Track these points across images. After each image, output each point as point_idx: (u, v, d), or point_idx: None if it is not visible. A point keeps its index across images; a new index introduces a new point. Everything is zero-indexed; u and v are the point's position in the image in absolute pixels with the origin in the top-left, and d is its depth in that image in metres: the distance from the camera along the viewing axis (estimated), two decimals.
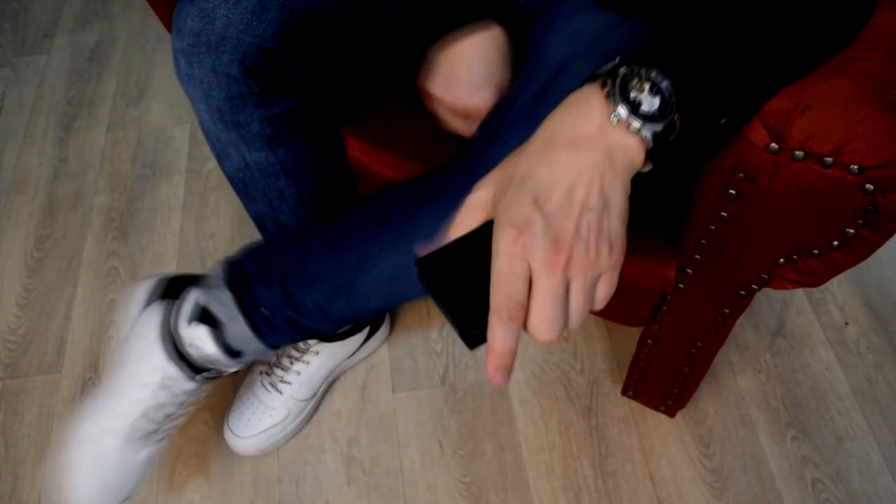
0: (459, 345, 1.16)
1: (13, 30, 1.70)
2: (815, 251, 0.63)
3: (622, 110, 0.45)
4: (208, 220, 1.33)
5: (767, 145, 0.56)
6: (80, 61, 1.61)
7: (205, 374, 0.83)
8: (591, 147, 0.45)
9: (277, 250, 0.79)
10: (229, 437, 1.04)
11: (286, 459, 1.06)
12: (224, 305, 0.78)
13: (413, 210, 0.70)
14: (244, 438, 1.03)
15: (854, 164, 0.53)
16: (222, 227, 1.32)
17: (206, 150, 1.43)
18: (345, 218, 0.76)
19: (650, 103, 0.46)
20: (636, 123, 0.46)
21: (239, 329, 0.79)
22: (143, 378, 0.81)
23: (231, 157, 0.81)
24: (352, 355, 1.10)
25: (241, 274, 0.79)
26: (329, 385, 1.11)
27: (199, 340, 0.79)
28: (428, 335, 1.17)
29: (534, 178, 0.44)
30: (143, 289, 0.89)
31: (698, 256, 0.73)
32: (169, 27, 0.92)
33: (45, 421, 1.10)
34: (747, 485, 1.02)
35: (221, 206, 1.34)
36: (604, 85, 0.46)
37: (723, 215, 0.66)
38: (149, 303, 0.86)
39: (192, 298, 0.80)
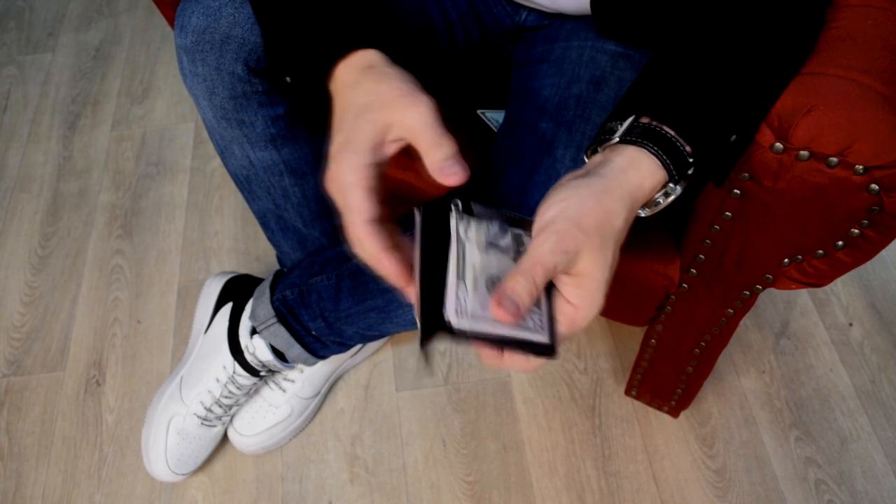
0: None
1: (18, 28, 1.70)
2: (820, 251, 0.63)
3: (678, 188, 0.53)
4: (212, 219, 1.33)
5: (772, 145, 0.56)
6: (84, 60, 1.62)
7: (263, 373, 0.97)
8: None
9: (313, 286, 0.88)
10: (233, 435, 1.04)
11: (289, 457, 1.06)
12: (280, 338, 0.90)
13: None
14: (248, 436, 1.03)
15: (859, 165, 0.53)
16: (226, 226, 1.32)
17: (210, 148, 1.43)
18: (363, 263, 0.82)
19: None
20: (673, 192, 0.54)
21: (296, 352, 0.92)
22: (216, 372, 0.97)
23: (235, 155, 0.81)
24: (355, 354, 1.10)
25: (287, 306, 0.89)
26: (332, 383, 1.11)
27: (259, 351, 0.93)
28: None
29: (615, 253, 0.50)
30: (216, 287, 1.06)
31: (702, 257, 0.73)
32: (174, 25, 0.92)
33: (48, 418, 1.11)
34: (751, 486, 1.02)
35: (225, 205, 1.35)
36: (664, 165, 0.51)
37: (727, 215, 0.66)
38: (220, 301, 1.03)
39: (250, 323, 0.94)
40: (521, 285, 0.45)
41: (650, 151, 0.51)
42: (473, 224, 0.51)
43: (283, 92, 0.76)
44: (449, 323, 0.46)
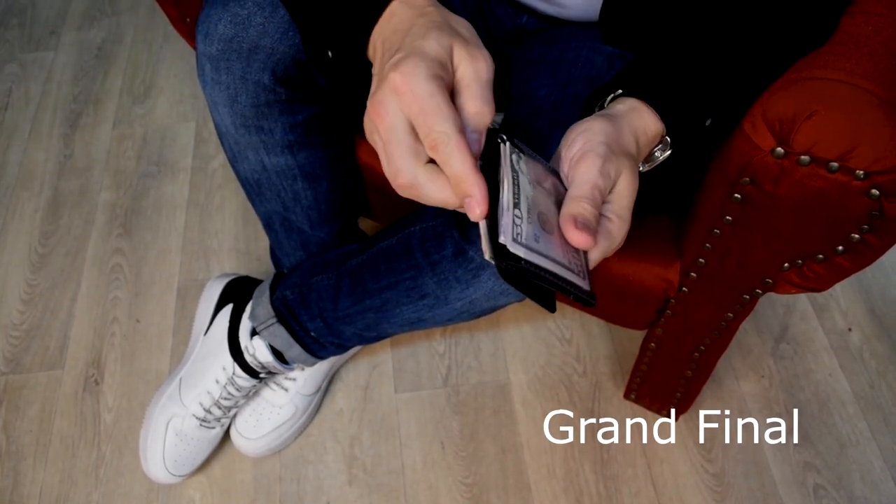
0: (462, 346, 1.16)
1: (20, 26, 1.70)
2: (820, 256, 0.63)
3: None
4: (213, 218, 1.33)
5: (773, 150, 0.56)
6: (86, 58, 1.62)
7: (262, 374, 0.97)
8: None
9: (313, 285, 0.87)
10: (238, 440, 1.04)
11: (287, 458, 1.06)
12: (280, 338, 0.90)
13: (419, 264, 0.77)
14: (254, 439, 1.03)
15: (860, 170, 0.53)
16: (227, 225, 1.32)
17: (211, 148, 1.43)
18: (362, 262, 0.83)
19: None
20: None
21: (295, 352, 0.91)
22: (216, 373, 0.97)
23: (248, 160, 0.81)
24: None
25: (287, 306, 0.89)
26: (331, 379, 1.11)
27: (259, 353, 0.93)
28: (431, 336, 1.17)
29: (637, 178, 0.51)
30: (217, 289, 1.06)
31: (703, 260, 0.73)
32: (177, 25, 0.92)
33: (46, 417, 1.11)
34: (749, 490, 1.02)
35: (226, 205, 1.35)
36: (662, 119, 0.54)
37: (728, 219, 0.66)
38: (221, 303, 1.03)
39: (250, 324, 0.94)
40: (587, 209, 0.45)
41: (648, 102, 0.53)
42: (524, 159, 0.49)
43: (324, 71, 0.73)
44: (504, 247, 0.43)
